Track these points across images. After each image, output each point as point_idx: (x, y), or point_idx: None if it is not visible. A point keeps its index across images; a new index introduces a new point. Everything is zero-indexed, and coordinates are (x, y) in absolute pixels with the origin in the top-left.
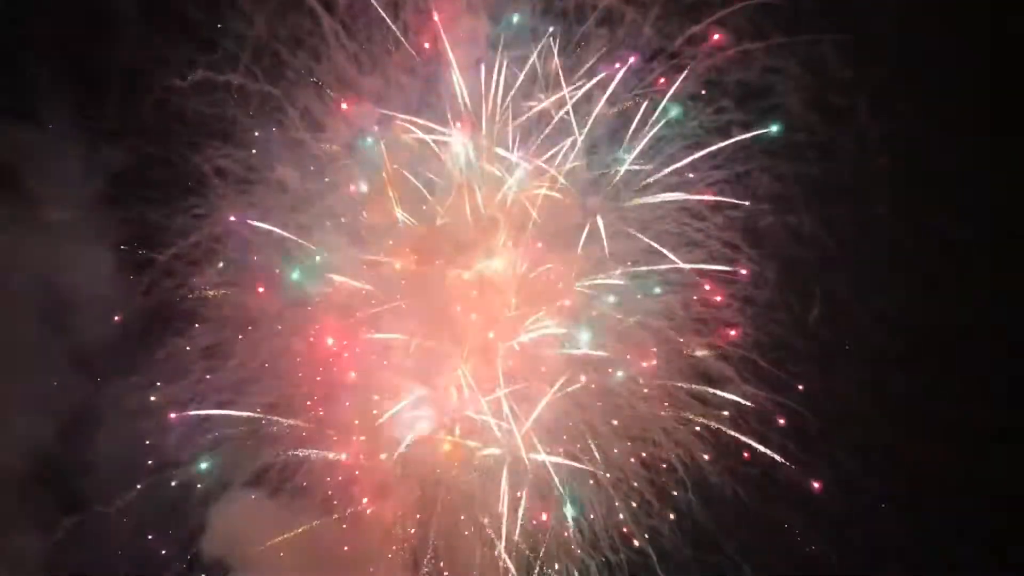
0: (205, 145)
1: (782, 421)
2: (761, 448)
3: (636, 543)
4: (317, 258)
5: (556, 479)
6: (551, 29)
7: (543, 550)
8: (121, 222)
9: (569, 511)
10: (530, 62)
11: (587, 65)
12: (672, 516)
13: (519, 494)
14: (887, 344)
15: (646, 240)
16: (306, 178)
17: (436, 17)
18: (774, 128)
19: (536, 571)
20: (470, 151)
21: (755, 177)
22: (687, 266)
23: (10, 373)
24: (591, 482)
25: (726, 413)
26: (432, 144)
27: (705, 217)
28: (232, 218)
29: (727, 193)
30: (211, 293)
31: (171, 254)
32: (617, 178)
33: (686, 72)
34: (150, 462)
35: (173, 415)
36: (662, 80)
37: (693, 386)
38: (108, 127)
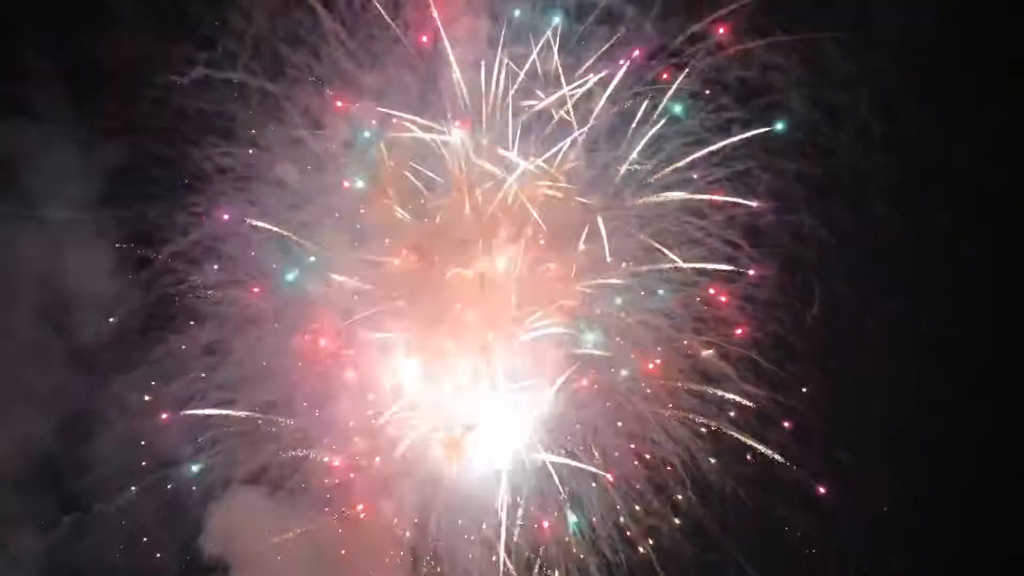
0: (204, 142)
1: (786, 424)
2: (761, 448)
3: (636, 543)
4: (315, 257)
5: (556, 479)
6: (554, 22)
7: (543, 550)
8: (119, 220)
9: (570, 513)
10: (530, 60)
11: (587, 63)
12: (672, 516)
13: (519, 496)
14: (887, 344)
15: (646, 239)
16: (305, 176)
17: (436, 14)
18: (779, 126)
19: (536, 571)
20: (470, 149)
21: (755, 175)
22: (688, 265)
23: (8, 372)
24: (592, 484)
25: (733, 414)
26: (432, 142)
27: (706, 215)
28: (231, 216)
29: (728, 191)
30: (210, 291)
31: (170, 252)
32: (618, 177)
33: (687, 70)
34: (148, 461)
35: (172, 413)
36: (664, 75)
37: (693, 386)
38: (107, 124)
